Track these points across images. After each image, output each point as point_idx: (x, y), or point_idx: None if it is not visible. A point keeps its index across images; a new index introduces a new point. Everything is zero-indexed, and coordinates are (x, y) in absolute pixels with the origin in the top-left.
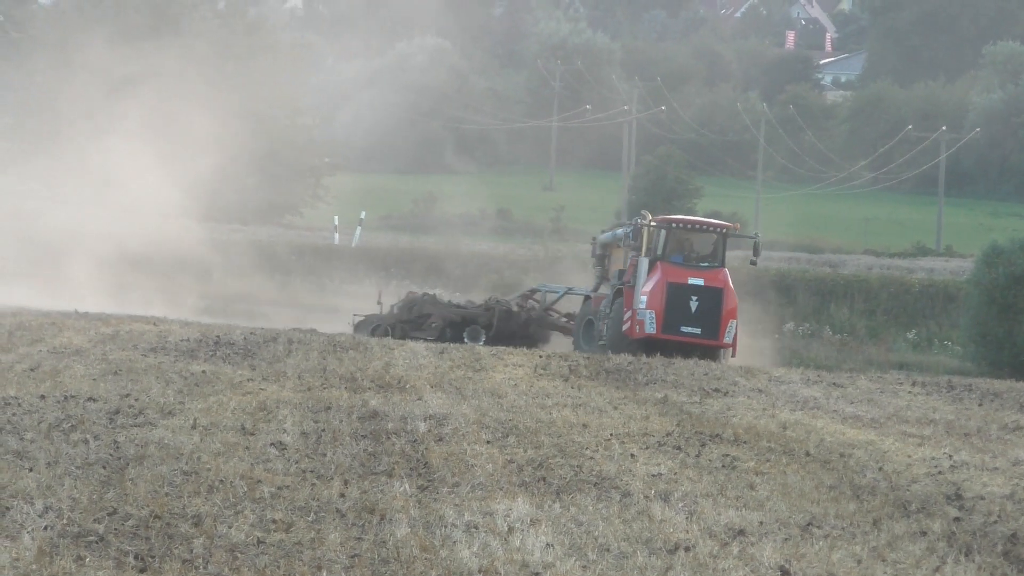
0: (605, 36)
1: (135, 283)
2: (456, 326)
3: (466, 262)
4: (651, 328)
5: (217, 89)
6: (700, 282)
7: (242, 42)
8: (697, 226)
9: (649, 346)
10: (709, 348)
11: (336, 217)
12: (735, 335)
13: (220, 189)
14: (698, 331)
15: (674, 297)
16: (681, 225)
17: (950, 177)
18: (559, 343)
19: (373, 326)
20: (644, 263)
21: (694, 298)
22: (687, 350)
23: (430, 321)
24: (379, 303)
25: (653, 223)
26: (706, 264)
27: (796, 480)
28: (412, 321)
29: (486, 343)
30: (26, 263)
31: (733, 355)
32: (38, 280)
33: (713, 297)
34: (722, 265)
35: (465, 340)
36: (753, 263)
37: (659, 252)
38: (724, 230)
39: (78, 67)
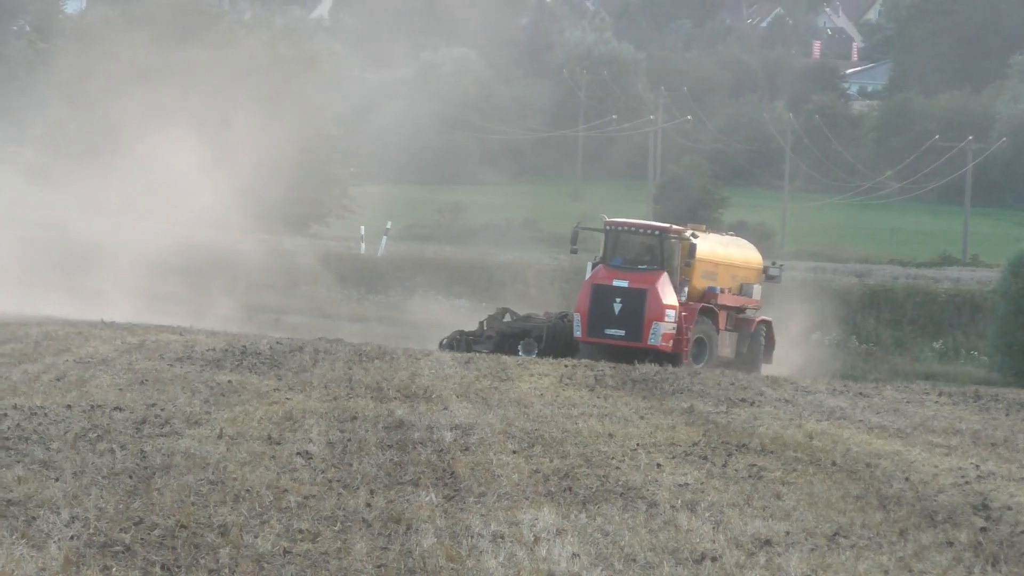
0: (631, 46)
1: (162, 293)
2: (510, 338)
3: (492, 272)
4: (578, 331)
5: (244, 99)
6: (624, 284)
7: (269, 52)
8: (634, 228)
9: (612, 352)
10: (669, 355)
11: (363, 227)
12: (668, 338)
13: (247, 199)
14: (622, 333)
15: (598, 299)
16: (619, 228)
17: (976, 187)
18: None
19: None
20: (589, 267)
21: (618, 300)
22: (652, 356)
23: (486, 333)
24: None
25: (608, 226)
26: (644, 266)
27: (822, 490)
28: (473, 334)
29: (539, 355)
30: (54, 273)
31: (685, 360)
32: (66, 290)
33: (636, 298)
34: (662, 268)
35: (519, 352)
36: (688, 264)
37: (603, 255)
38: (660, 232)
39: (105, 77)
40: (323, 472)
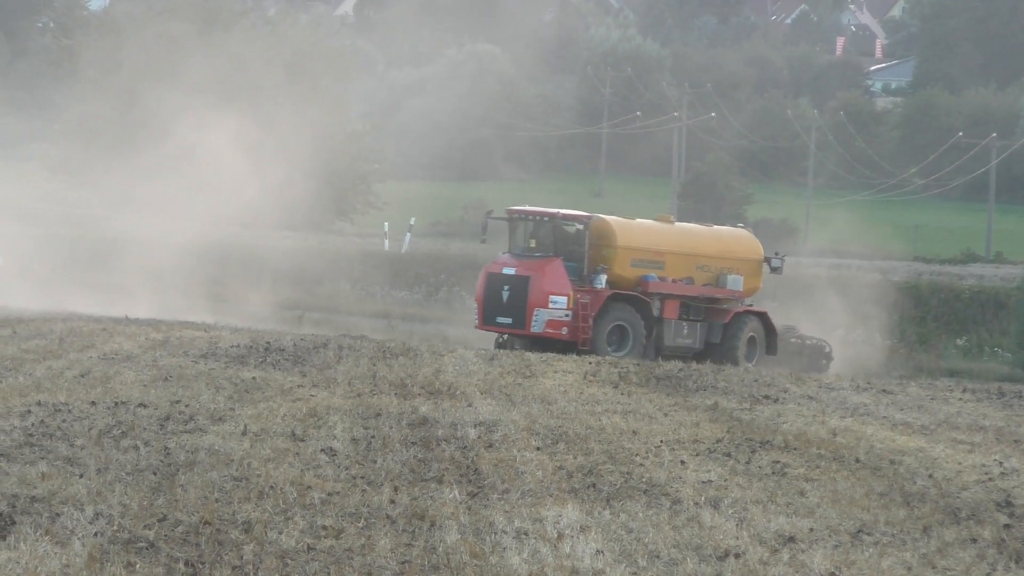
0: (655, 43)
1: (187, 289)
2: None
3: None
4: (476, 320)
5: (269, 95)
6: (512, 271)
7: (293, 48)
8: (531, 216)
9: (533, 342)
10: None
11: (386, 223)
12: (558, 325)
13: (272, 195)
14: (509, 320)
15: (490, 288)
16: (518, 216)
17: (1000, 184)
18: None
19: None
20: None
21: (506, 287)
22: (552, 344)
23: None
24: None
25: (509, 215)
26: (540, 254)
27: (846, 487)
28: None
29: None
30: (78, 269)
31: (583, 344)
32: (90, 286)
33: (520, 286)
34: (556, 254)
35: None
36: (575, 250)
37: (508, 244)
38: (550, 218)
39: (128, 73)
40: (347, 469)
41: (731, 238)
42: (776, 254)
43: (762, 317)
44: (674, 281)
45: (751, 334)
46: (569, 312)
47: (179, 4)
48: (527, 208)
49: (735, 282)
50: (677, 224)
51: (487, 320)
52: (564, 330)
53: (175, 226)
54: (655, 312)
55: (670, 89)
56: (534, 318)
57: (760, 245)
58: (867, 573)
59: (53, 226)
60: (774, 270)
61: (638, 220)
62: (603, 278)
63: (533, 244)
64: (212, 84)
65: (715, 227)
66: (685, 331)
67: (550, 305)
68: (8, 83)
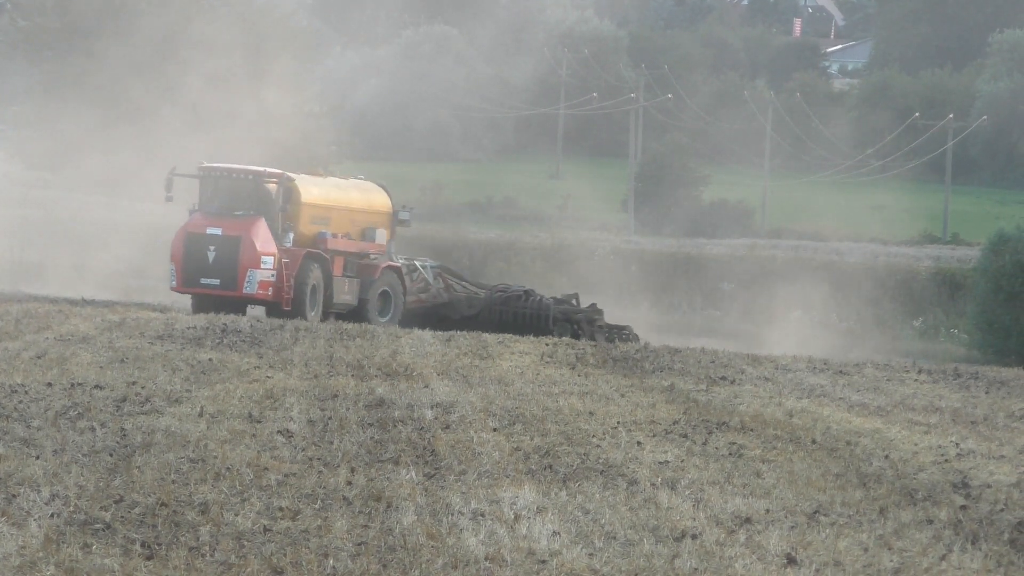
0: (612, 24)
1: (143, 271)
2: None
3: (472, 250)
4: (173, 282)
5: (225, 76)
6: (219, 231)
7: (250, 29)
8: (230, 173)
9: (213, 302)
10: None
11: None
12: (266, 286)
13: None
14: (217, 282)
15: (192, 248)
16: (214, 173)
17: (957, 165)
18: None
19: None
20: (188, 215)
21: (212, 248)
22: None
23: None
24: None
25: (203, 172)
26: (241, 212)
27: (802, 468)
28: None
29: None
30: (34, 251)
31: (286, 306)
32: (47, 268)
33: (231, 246)
34: (259, 213)
35: None
36: (284, 209)
37: (199, 202)
38: (255, 176)
39: (85, 54)
40: (303, 450)
41: (370, 191)
42: (404, 207)
43: (399, 272)
44: (341, 237)
45: (384, 288)
46: (274, 272)
47: None
48: (225, 165)
49: (381, 236)
50: (328, 178)
51: (189, 282)
52: (270, 290)
53: (130, 208)
54: (332, 270)
55: (627, 70)
56: (247, 279)
57: (388, 197)
58: (823, 554)
59: (11, 207)
60: (401, 223)
61: (302, 175)
62: (291, 236)
63: (210, 202)
64: (165, 65)
65: (351, 179)
66: (346, 287)
67: (262, 265)
68: None
